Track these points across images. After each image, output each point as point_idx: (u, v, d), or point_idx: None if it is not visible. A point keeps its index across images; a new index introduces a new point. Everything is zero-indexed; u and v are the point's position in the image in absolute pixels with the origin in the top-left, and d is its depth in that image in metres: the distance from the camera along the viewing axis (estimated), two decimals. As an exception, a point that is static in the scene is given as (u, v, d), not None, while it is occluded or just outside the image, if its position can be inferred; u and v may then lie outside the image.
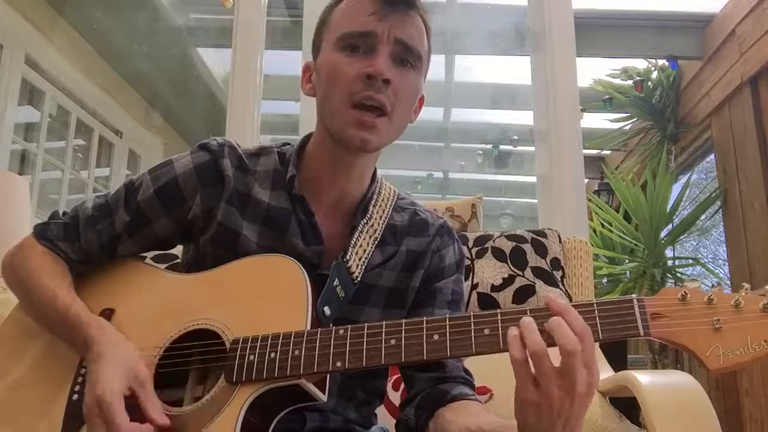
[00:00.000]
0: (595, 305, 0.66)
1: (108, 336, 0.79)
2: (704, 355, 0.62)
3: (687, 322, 0.63)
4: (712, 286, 0.66)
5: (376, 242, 0.91)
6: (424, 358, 0.69)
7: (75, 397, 0.79)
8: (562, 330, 0.62)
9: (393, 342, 0.70)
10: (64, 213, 0.94)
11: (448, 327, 0.69)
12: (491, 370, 1.22)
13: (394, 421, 1.26)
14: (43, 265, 0.88)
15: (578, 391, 0.61)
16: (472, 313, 0.70)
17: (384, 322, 0.72)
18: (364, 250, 0.89)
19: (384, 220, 0.93)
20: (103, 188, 4.20)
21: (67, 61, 3.70)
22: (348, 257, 0.86)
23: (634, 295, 0.66)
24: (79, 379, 0.81)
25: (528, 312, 0.67)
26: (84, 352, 0.78)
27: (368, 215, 0.91)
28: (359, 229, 0.89)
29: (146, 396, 0.73)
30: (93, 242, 0.90)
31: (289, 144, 0.97)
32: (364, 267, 0.88)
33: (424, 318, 0.71)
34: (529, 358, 0.62)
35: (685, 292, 0.65)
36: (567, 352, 0.60)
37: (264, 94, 2.30)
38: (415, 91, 0.88)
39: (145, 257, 1.28)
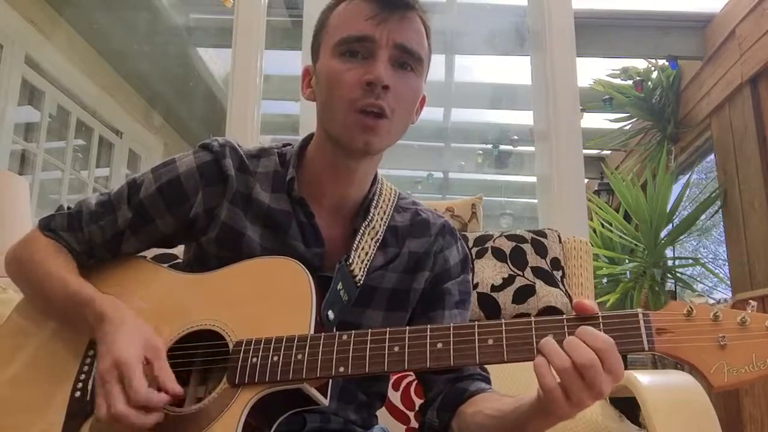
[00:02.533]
0: (600, 318, 0.66)
1: (122, 311, 0.79)
2: (708, 372, 0.61)
3: (692, 338, 0.63)
4: (718, 302, 0.66)
5: (378, 244, 0.91)
6: (427, 366, 0.69)
7: (77, 394, 0.80)
8: (579, 350, 0.63)
9: (396, 349, 0.70)
10: (69, 207, 0.94)
11: (452, 336, 0.69)
12: (501, 377, 1.22)
13: (395, 421, 1.27)
14: (49, 254, 0.88)
15: (606, 393, 0.63)
16: (476, 322, 0.70)
17: (388, 329, 0.72)
18: (366, 253, 0.89)
19: (385, 222, 0.93)
20: (103, 188, 4.19)
21: (67, 61, 3.69)
22: (351, 260, 0.86)
23: (639, 310, 0.66)
24: (82, 377, 0.81)
25: (533, 323, 0.67)
26: (97, 326, 0.78)
27: (369, 217, 0.91)
28: (361, 231, 0.89)
29: (161, 366, 0.73)
30: (96, 237, 0.90)
31: (290, 145, 0.96)
32: (366, 269, 0.88)
33: (428, 326, 0.71)
34: (557, 376, 0.63)
35: (690, 307, 0.64)
36: (585, 367, 0.62)
37: (264, 94, 2.30)
38: (416, 94, 0.88)
39: (146, 257, 1.29)
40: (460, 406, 0.85)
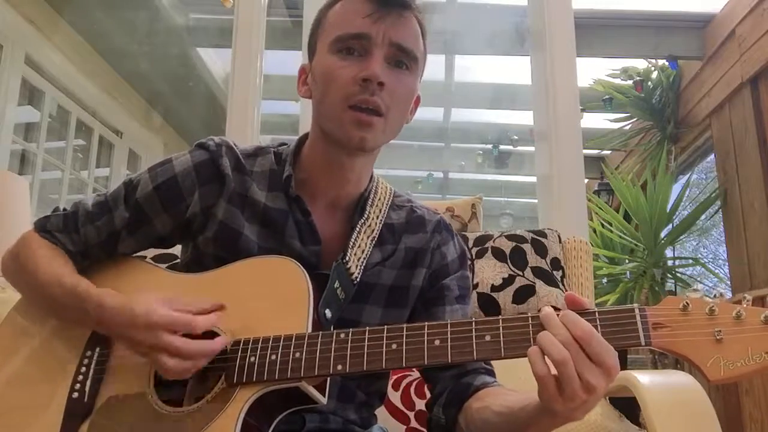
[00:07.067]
0: (596, 313, 0.66)
1: (120, 295, 0.80)
2: (705, 366, 0.62)
3: (688, 333, 0.64)
4: (714, 296, 0.66)
5: (374, 241, 0.91)
6: (425, 363, 0.69)
7: (75, 395, 0.80)
8: (551, 345, 0.63)
9: (394, 347, 0.70)
10: (65, 209, 0.94)
11: (449, 332, 0.69)
12: (502, 373, 1.22)
13: (395, 421, 1.27)
14: (45, 254, 0.89)
15: (599, 387, 0.63)
16: (473, 319, 0.70)
17: (385, 327, 0.72)
18: (363, 250, 0.89)
19: (381, 219, 0.93)
20: (103, 188, 4.19)
21: (67, 61, 3.69)
22: (347, 258, 0.87)
23: (635, 305, 0.67)
24: (79, 377, 0.81)
25: (530, 320, 0.67)
26: (100, 317, 0.79)
27: (366, 215, 0.91)
28: (357, 229, 0.89)
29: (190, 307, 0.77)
30: (92, 238, 0.91)
31: (285, 144, 0.97)
32: (363, 267, 0.89)
33: (426, 323, 0.71)
34: (553, 367, 0.63)
35: (687, 302, 0.65)
36: (558, 362, 0.62)
37: (264, 94, 2.30)
38: (411, 93, 0.88)
39: (145, 257, 1.28)
40: (466, 401, 0.85)
